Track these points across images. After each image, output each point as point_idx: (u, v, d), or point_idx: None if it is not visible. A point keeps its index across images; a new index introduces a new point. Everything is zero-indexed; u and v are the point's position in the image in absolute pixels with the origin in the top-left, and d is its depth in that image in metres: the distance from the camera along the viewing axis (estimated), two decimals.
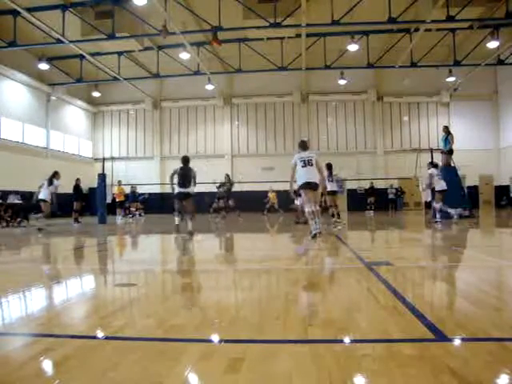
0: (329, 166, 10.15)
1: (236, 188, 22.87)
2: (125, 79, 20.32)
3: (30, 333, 2.00)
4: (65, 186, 14.43)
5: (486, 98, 22.76)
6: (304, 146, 6.80)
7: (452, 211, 9.79)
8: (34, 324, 2.17)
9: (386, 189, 21.59)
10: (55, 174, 10.93)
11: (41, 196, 10.62)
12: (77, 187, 14.08)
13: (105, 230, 11.05)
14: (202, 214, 14.83)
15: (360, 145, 23.55)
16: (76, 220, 13.31)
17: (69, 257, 5.64)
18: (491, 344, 1.70)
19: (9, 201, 13.93)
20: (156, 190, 22.11)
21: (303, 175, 6.57)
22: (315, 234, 6.33)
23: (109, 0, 14.87)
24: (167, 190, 12.31)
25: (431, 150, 12.95)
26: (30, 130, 19.41)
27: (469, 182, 21.47)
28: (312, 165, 6.57)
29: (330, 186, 10.01)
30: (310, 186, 6.53)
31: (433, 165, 10.47)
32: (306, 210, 6.66)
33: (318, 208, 6.58)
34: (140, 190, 18.89)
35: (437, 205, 9.95)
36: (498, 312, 2.27)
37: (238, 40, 17.80)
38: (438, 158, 12.67)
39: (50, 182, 10.69)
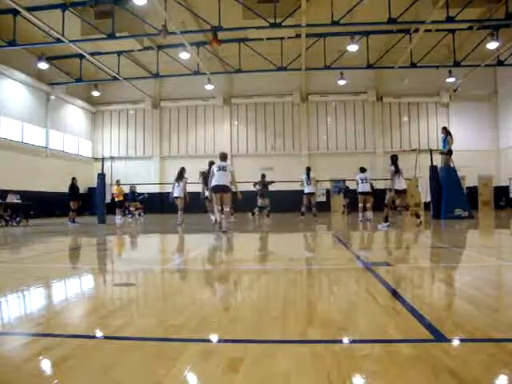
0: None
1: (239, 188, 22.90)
2: (124, 79, 20.32)
3: (29, 332, 1.99)
4: (64, 186, 14.42)
5: (486, 98, 22.76)
6: (222, 157, 8.49)
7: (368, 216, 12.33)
8: (32, 323, 2.17)
9: (386, 189, 21.56)
10: (182, 171, 11.73)
11: (175, 194, 11.51)
12: (72, 186, 13.82)
13: (103, 229, 11.05)
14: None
15: (359, 145, 23.56)
16: (73, 220, 13.06)
17: (68, 256, 5.63)
18: (490, 344, 1.70)
19: (8, 200, 13.90)
20: (155, 189, 22.06)
21: (216, 179, 8.16)
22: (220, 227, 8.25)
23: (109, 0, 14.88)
24: (167, 189, 12.33)
25: (430, 151, 12.96)
26: (30, 130, 19.39)
27: (468, 182, 21.50)
28: (225, 171, 8.22)
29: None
30: (219, 188, 8.20)
31: (361, 170, 12.49)
32: (215, 207, 8.57)
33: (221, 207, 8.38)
34: (139, 189, 18.86)
35: (361, 205, 12.08)
36: (497, 312, 2.27)
37: (238, 40, 17.81)
38: (438, 159, 12.68)
39: (179, 178, 11.54)
